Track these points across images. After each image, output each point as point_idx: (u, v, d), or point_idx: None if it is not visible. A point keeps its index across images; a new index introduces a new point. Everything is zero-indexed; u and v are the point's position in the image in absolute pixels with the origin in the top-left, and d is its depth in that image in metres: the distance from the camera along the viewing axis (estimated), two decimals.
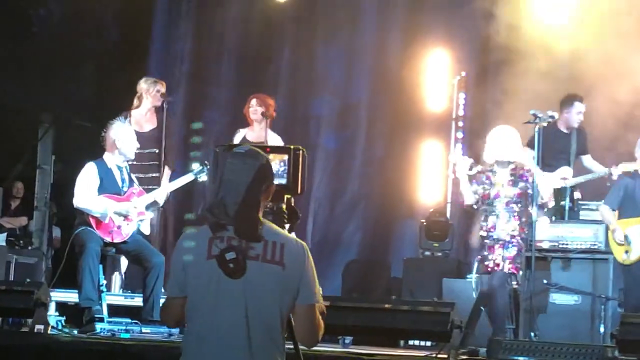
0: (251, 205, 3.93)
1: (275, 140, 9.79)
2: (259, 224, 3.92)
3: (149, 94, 9.77)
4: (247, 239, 3.89)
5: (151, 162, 9.60)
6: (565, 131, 10.07)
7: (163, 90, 9.82)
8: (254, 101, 10.04)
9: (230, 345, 3.86)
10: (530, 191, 8.37)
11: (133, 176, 8.91)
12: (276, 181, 4.44)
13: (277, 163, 4.60)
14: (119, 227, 8.50)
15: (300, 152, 4.68)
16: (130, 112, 9.73)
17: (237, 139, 9.87)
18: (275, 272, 3.89)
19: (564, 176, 9.97)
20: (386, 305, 7.42)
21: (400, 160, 12.06)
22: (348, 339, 8.27)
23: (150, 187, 9.23)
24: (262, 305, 3.88)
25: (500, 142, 8.47)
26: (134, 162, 9.08)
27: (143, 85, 9.83)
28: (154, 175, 9.58)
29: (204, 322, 3.90)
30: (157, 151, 9.66)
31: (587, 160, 10.22)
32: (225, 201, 3.92)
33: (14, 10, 11.36)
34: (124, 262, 9.38)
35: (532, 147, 9.71)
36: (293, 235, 4.09)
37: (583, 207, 10.32)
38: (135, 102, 9.82)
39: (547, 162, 9.82)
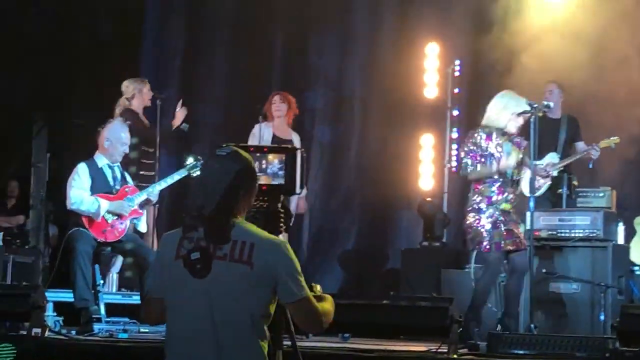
0: (225, 210, 3.89)
1: (296, 137, 9.93)
2: (229, 227, 3.87)
3: (142, 94, 9.81)
4: (215, 242, 3.87)
5: (151, 161, 9.63)
6: (553, 117, 9.96)
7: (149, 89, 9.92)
8: (276, 98, 9.97)
9: (198, 345, 3.86)
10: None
11: (127, 174, 8.87)
12: (275, 182, 4.43)
13: (277, 163, 4.57)
14: (112, 226, 8.43)
15: (298, 152, 4.62)
16: (131, 111, 9.72)
17: (257, 133, 9.68)
18: (242, 271, 3.84)
19: (549, 162, 9.90)
20: (384, 302, 7.37)
21: (395, 151, 12.01)
22: (347, 333, 8.24)
23: (144, 184, 9.22)
24: (228, 305, 3.85)
25: (508, 107, 8.02)
26: (143, 160, 9.34)
27: (134, 85, 9.85)
28: (152, 173, 9.62)
29: (175, 322, 3.93)
30: (153, 150, 9.69)
31: (581, 146, 10.14)
32: (200, 204, 3.90)
33: (5, 10, 11.30)
34: (118, 261, 9.35)
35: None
36: (271, 235, 4.00)
37: (580, 194, 10.28)
38: (126, 102, 9.82)
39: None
